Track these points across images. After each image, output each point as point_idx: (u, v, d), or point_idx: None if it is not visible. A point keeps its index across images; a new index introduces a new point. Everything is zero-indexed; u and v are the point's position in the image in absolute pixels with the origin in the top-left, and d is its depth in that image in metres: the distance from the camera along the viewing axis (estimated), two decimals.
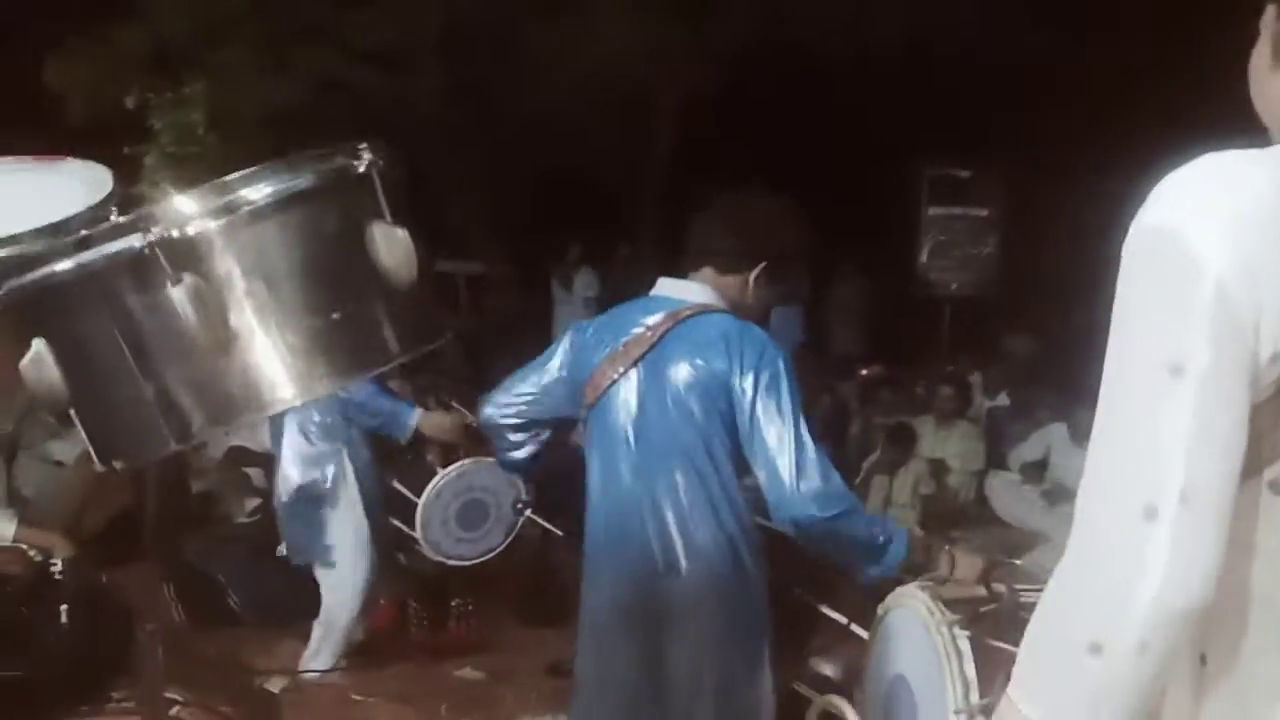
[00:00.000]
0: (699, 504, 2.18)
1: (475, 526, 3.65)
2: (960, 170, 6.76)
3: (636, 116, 9.72)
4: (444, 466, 3.67)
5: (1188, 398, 0.92)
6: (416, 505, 3.57)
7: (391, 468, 3.79)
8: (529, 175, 9.51)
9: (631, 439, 2.24)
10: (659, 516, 2.19)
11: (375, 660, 3.91)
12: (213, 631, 4.16)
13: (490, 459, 3.66)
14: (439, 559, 3.67)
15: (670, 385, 2.20)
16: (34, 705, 2.81)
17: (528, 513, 3.81)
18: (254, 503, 5.32)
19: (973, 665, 1.43)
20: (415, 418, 3.56)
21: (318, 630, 3.73)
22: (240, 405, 1.03)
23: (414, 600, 4.13)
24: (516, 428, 2.44)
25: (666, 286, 2.31)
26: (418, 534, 3.56)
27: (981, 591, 1.64)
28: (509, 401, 2.43)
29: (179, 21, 8.68)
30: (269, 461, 5.32)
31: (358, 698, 3.64)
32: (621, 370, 2.25)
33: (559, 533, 4.28)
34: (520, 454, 2.45)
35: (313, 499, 3.65)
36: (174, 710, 3.01)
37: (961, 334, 7.04)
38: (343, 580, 3.69)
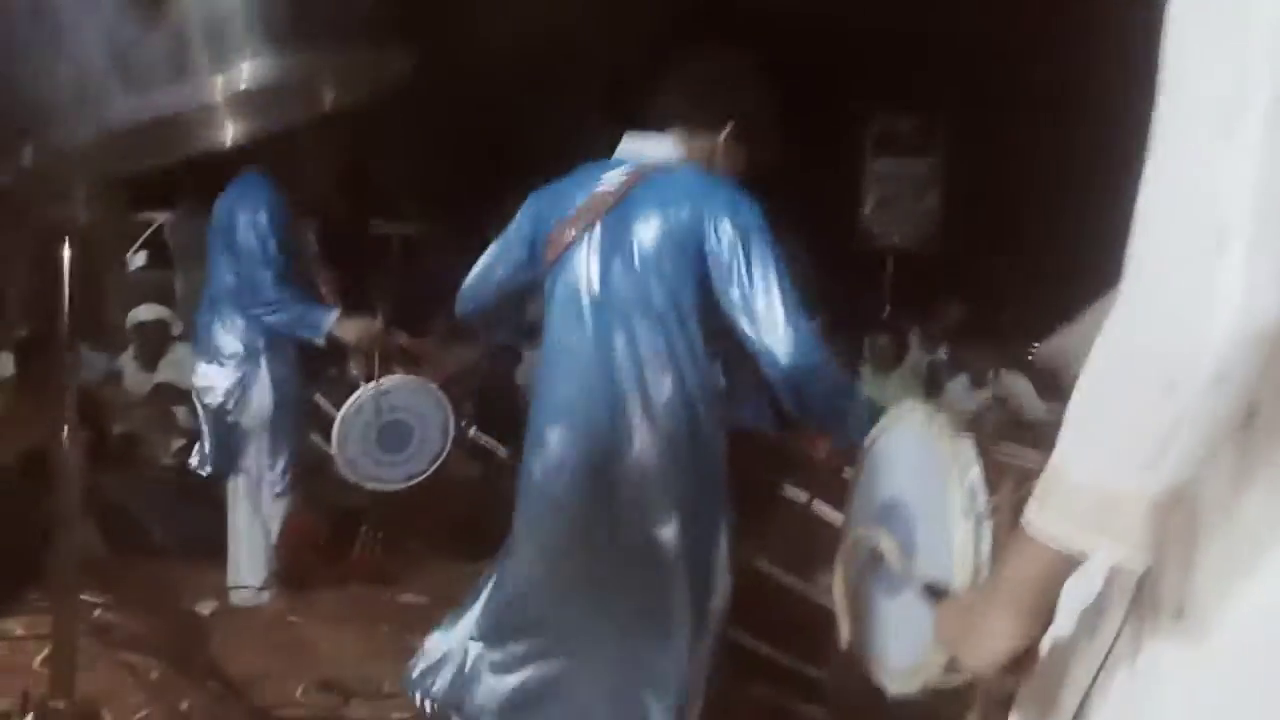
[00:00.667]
0: (660, 359, 2.11)
1: (398, 449, 3.48)
2: (906, 120, 6.72)
3: (576, 74, 9.61)
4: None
5: (1254, 126, 0.88)
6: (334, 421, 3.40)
7: (315, 383, 3.64)
8: (466, 133, 9.36)
9: (592, 295, 2.17)
10: (615, 371, 2.13)
11: (311, 587, 3.77)
12: (137, 562, 3.99)
13: (418, 378, 3.55)
14: (356, 480, 3.50)
15: (635, 240, 2.13)
16: None
17: (471, 432, 3.70)
18: (179, 443, 5.12)
19: (979, 468, 1.37)
20: (331, 319, 3.38)
21: (233, 551, 3.58)
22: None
23: (333, 526, 3.95)
24: (499, 314, 2.42)
25: (631, 145, 2.24)
26: (334, 450, 3.40)
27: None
28: (485, 291, 2.37)
29: None
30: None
31: (294, 620, 3.50)
32: (583, 227, 2.18)
33: (502, 452, 4.16)
34: (506, 334, 2.43)
35: (227, 411, 3.50)
36: (95, 613, 2.87)
37: (904, 287, 7.04)
38: (255, 494, 3.54)
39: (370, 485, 3.47)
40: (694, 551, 2.14)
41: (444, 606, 3.77)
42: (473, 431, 3.69)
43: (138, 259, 7.69)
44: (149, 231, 7.86)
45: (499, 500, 4.19)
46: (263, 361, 3.45)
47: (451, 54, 9.04)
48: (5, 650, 2.66)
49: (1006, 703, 1.25)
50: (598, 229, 2.17)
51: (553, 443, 2.20)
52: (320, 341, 3.39)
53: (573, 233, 2.19)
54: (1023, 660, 1.09)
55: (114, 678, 2.59)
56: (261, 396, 3.46)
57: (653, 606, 2.15)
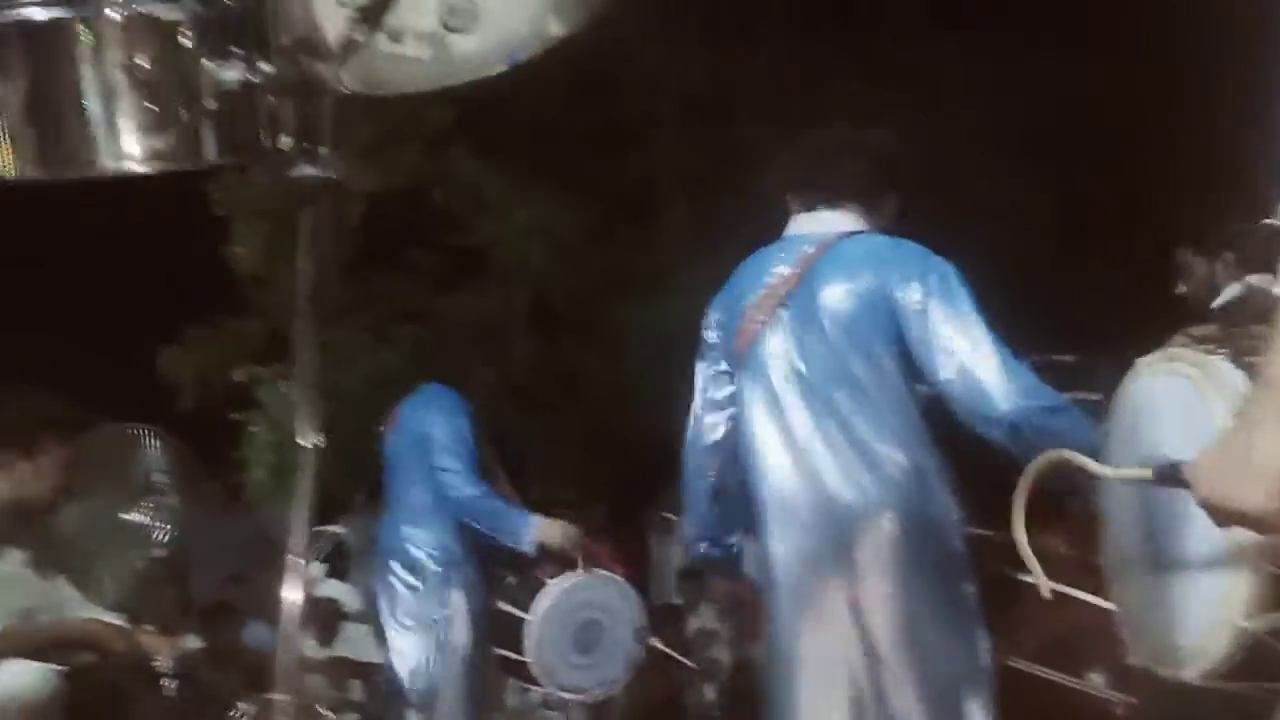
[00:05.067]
0: (877, 431, 1.98)
1: (591, 650, 3.31)
2: (1065, 355, 6.56)
3: None
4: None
5: None
6: (523, 624, 3.27)
7: (495, 590, 3.52)
8: (616, 436, 9.61)
9: (792, 380, 2.08)
10: (835, 452, 2.00)
11: None
12: None
13: (605, 573, 3.43)
14: (551, 690, 3.32)
15: (826, 313, 2.06)
16: None
17: (652, 641, 3.51)
18: (351, 717, 4.95)
19: (1241, 373, 1.21)
20: (534, 524, 3.35)
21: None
22: None
23: None
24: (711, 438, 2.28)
25: (804, 223, 2.22)
26: (528, 656, 3.24)
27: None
28: (694, 416, 2.30)
29: (289, 314, 9.28)
30: (372, 672, 5.05)
31: None
32: (769, 313, 2.13)
33: (689, 663, 3.91)
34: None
35: (424, 636, 3.40)
36: None
37: None
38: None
39: (565, 694, 3.28)
40: (950, 643, 1.91)
41: None
42: (654, 641, 3.49)
43: (315, 569, 7.91)
44: (332, 545, 8.17)
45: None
46: (457, 578, 3.39)
47: (605, 365, 9.52)
48: None
49: None
50: (785, 311, 2.12)
51: (787, 541, 2.06)
52: (526, 549, 3.31)
53: (761, 320, 2.14)
54: None
55: None
56: (457, 610, 3.37)
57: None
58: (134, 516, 4.47)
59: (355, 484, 7.93)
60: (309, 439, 1.46)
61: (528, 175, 8.86)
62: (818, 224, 2.20)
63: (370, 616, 5.66)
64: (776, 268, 2.17)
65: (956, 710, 1.89)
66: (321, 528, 8.40)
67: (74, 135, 1.43)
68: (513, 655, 3.33)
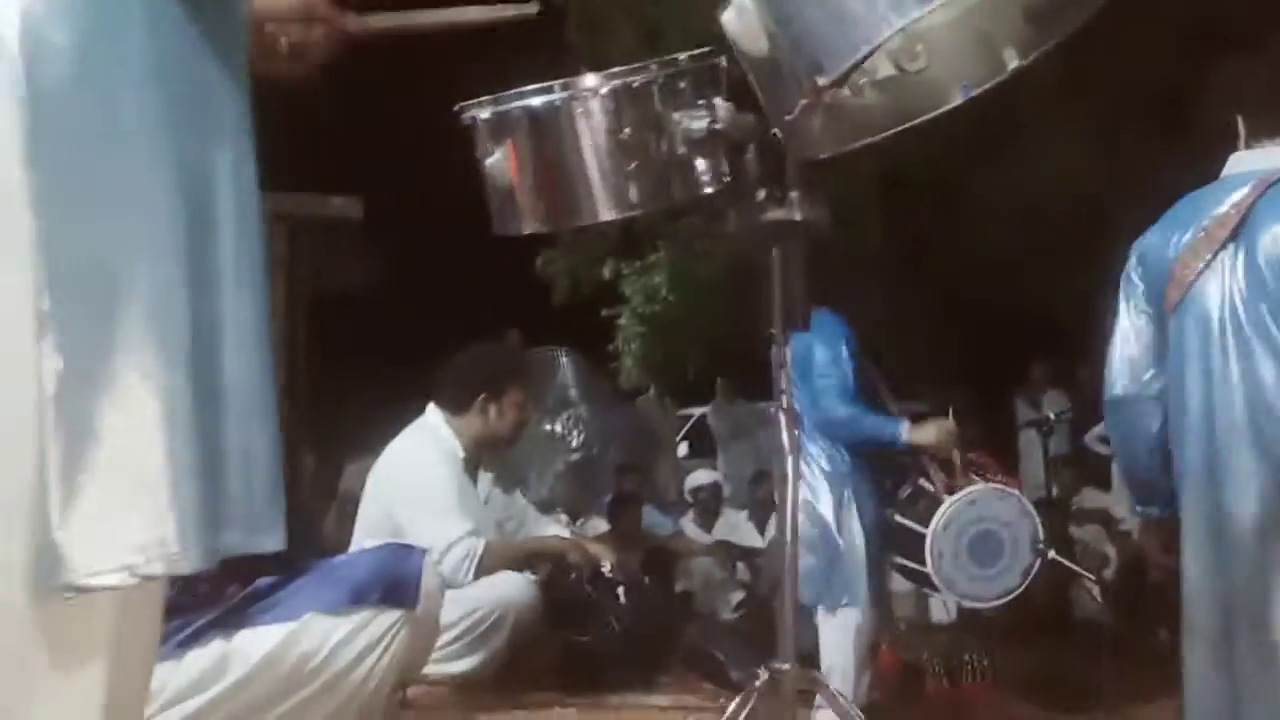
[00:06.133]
0: None
1: (989, 563, 3.41)
2: None
3: (1082, 246, 9.39)
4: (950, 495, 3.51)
5: None
6: (922, 538, 3.42)
7: (889, 503, 3.69)
8: (971, 309, 9.39)
9: (1226, 327, 1.99)
10: (1270, 406, 1.93)
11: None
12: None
13: (1002, 487, 3.50)
14: (952, 597, 3.48)
15: (1267, 256, 1.95)
16: (596, 669, 3.01)
17: (1051, 554, 3.54)
18: (738, 596, 5.40)
19: None
20: (905, 424, 3.49)
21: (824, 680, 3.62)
22: None
23: (926, 653, 3.89)
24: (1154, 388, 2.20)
25: (1245, 161, 2.08)
26: (928, 567, 3.39)
27: None
28: (1129, 364, 2.22)
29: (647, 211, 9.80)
30: (754, 555, 5.46)
31: None
32: (1208, 257, 2.03)
33: (1089, 578, 3.93)
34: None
35: (818, 535, 3.65)
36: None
37: None
38: (845, 621, 3.61)
39: (967, 603, 3.43)
40: None
41: None
42: (1051, 554, 3.51)
43: (681, 449, 8.61)
44: (689, 424, 8.81)
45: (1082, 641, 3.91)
46: (848, 485, 3.61)
47: (961, 235, 9.25)
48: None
49: None
50: (1225, 254, 2.01)
51: (1213, 499, 2.01)
52: (901, 443, 3.48)
53: (1198, 264, 2.04)
54: None
55: None
56: (851, 519, 3.59)
57: None
58: (554, 427, 5.19)
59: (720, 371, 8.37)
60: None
61: None
62: (1263, 160, 2.05)
63: (747, 502, 6.10)
64: (1213, 211, 2.06)
65: None
66: (684, 410, 9.03)
67: (570, 194, 1.68)
68: (912, 565, 3.50)
